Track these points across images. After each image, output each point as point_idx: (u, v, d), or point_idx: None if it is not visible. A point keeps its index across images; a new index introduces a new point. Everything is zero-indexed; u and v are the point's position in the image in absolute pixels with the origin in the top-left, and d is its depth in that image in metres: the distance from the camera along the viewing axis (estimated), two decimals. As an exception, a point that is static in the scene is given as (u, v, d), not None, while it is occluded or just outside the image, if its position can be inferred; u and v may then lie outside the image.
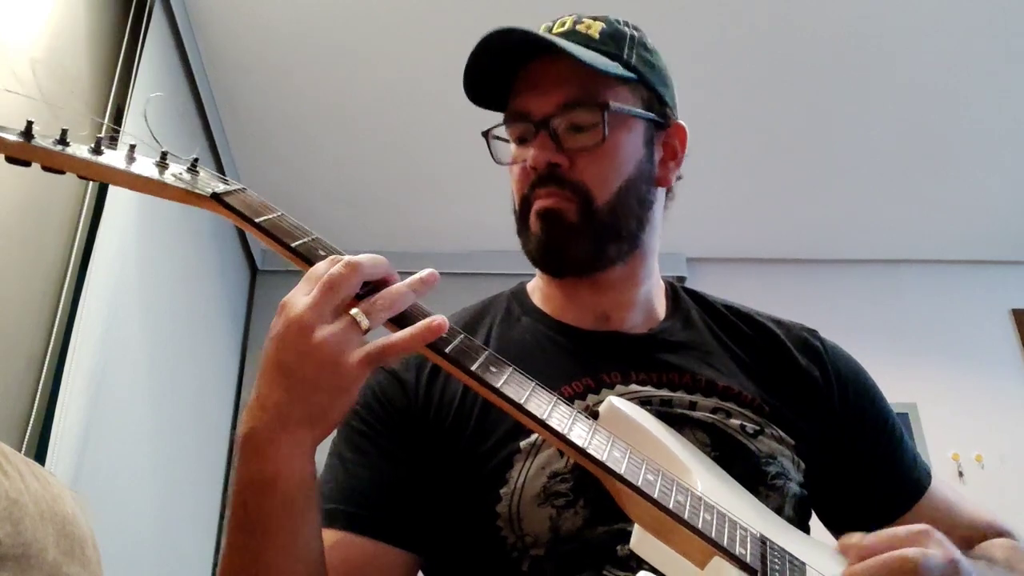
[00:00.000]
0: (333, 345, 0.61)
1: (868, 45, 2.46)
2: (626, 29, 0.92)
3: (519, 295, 0.98)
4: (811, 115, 2.73)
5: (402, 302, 0.66)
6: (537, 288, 0.98)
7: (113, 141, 0.74)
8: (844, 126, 2.78)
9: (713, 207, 3.10)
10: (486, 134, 0.93)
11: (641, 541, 0.68)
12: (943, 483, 0.97)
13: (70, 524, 0.98)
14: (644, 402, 0.84)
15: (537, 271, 0.97)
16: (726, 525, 0.69)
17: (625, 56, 0.89)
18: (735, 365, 0.91)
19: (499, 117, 0.92)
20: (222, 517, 2.76)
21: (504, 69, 0.89)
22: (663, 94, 0.92)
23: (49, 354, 1.59)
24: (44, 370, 1.57)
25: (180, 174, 0.75)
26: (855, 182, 3.04)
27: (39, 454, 1.49)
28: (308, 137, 2.77)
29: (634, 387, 0.85)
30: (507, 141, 0.93)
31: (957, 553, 0.66)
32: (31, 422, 1.51)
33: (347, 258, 0.65)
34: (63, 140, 0.71)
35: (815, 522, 0.93)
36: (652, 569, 0.67)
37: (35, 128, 0.70)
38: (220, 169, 2.77)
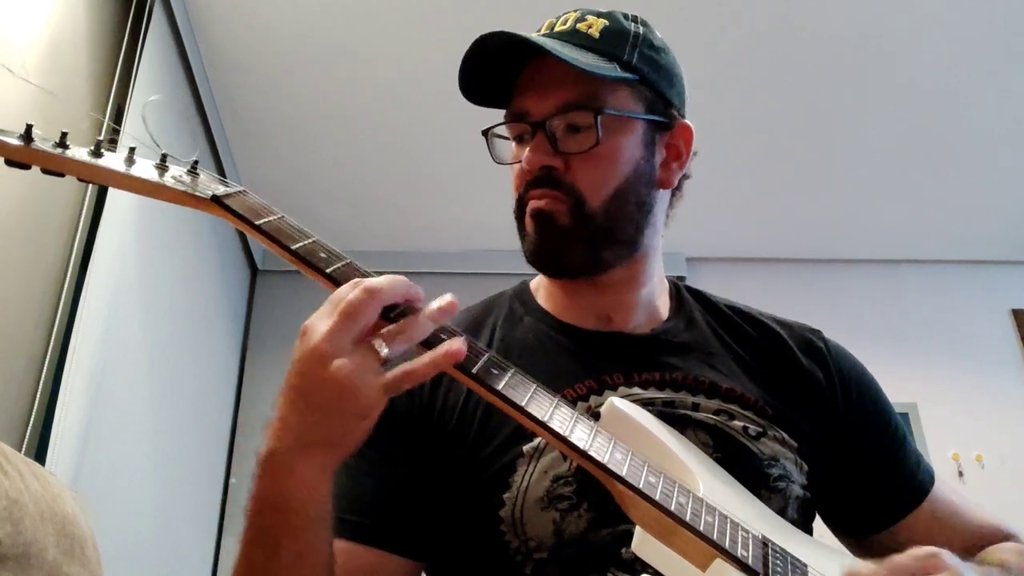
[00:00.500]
0: (351, 373, 0.61)
1: (868, 45, 2.46)
2: (631, 26, 0.91)
3: (522, 294, 0.97)
4: (811, 115, 2.73)
5: (421, 331, 0.66)
6: (540, 286, 0.97)
7: (113, 143, 0.74)
8: (844, 126, 2.78)
9: (713, 207, 3.09)
10: (486, 132, 0.93)
11: (643, 543, 0.68)
12: (946, 485, 0.96)
13: (70, 524, 0.98)
14: (646, 404, 0.83)
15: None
16: (728, 527, 0.69)
17: (626, 56, 0.88)
18: (738, 367, 0.91)
19: (501, 115, 0.92)
20: (222, 517, 2.76)
21: (505, 67, 0.89)
22: (667, 94, 0.91)
23: (49, 354, 1.59)
24: (44, 370, 1.57)
25: (180, 176, 0.75)
26: (855, 182, 3.04)
27: (39, 454, 1.49)
28: (308, 137, 2.77)
29: (636, 389, 0.85)
30: (508, 139, 0.92)
31: (970, 570, 0.66)
32: (31, 422, 1.51)
33: (365, 283, 0.65)
34: (63, 143, 0.71)
35: (819, 523, 0.93)
36: (654, 572, 0.67)
37: (35, 131, 0.70)
38: (220, 169, 2.77)
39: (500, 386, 0.68)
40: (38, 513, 0.92)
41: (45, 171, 0.71)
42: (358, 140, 2.78)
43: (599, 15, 0.90)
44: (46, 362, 1.58)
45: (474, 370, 0.68)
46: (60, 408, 1.55)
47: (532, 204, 0.87)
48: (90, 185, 1.76)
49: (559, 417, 0.69)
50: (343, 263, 0.72)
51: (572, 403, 0.82)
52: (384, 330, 0.64)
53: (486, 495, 0.79)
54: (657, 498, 0.67)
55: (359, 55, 2.45)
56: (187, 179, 0.75)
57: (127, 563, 1.73)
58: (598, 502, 0.76)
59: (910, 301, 3.43)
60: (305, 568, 0.67)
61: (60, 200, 1.69)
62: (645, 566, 0.68)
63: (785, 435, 0.86)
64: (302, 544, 0.66)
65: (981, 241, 3.40)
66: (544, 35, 0.89)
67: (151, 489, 2.02)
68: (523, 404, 0.68)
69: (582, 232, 0.85)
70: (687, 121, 0.94)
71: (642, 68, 0.88)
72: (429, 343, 0.66)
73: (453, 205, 3.08)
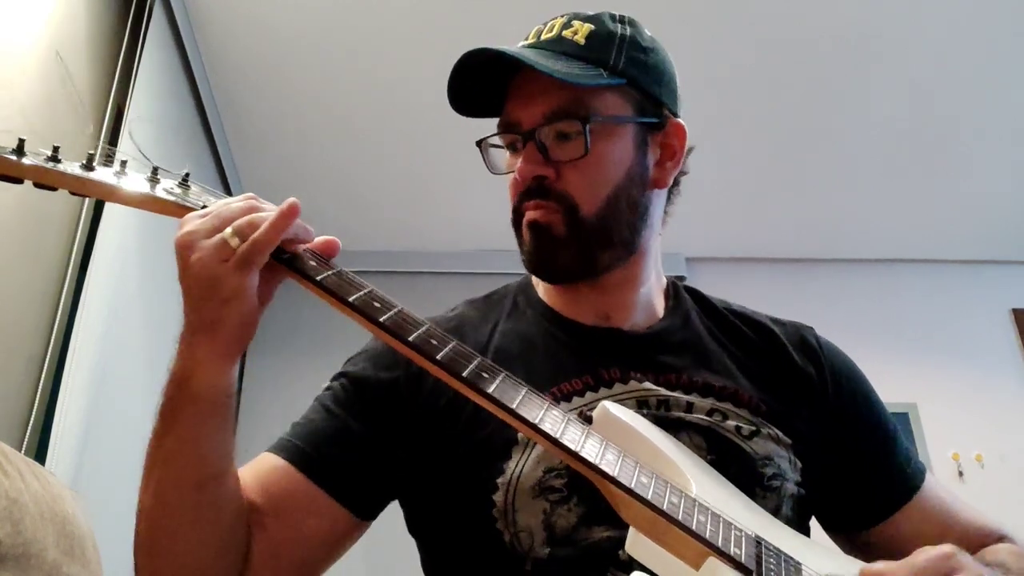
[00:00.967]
0: (207, 261, 0.69)
1: (868, 45, 2.46)
2: (617, 28, 0.91)
3: (526, 288, 0.99)
4: (811, 115, 2.73)
5: (270, 222, 0.70)
6: (541, 282, 0.99)
7: (110, 159, 0.75)
8: (844, 126, 2.78)
9: (712, 207, 3.10)
10: (480, 144, 0.94)
11: (635, 543, 0.69)
12: (938, 483, 0.97)
13: (70, 524, 0.98)
14: (641, 402, 0.85)
15: None
16: (720, 526, 0.69)
17: (612, 61, 0.88)
18: (733, 365, 0.92)
19: (496, 123, 0.93)
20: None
21: (494, 79, 0.90)
22: (657, 94, 0.91)
23: (49, 354, 1.59)
24: (44, 370, 1.57)
25: (171, 188, 0.77)
26: (855, 182, 3.05)
27: (39, 454, 1.49)
28: (308, 137, 2.77)
29: (633, 384, 0.86)
30: (502, 148, 0.94)
31: (986, 573, 0.66)
32: (31, 422, 1.51)
33: (251, 199, 0.73)
34: (55, 157, 0.73)
35: (813, 522, 0.93)
36: (648, 571, 0.67)
37: (27, 146, 0.72)
38: (220, 169, 2.78)
39: (491, 389, 0.69)
40: (38, 513, 0.92)
41: (37, 185, 0.73)
42: (358, 140, 2.78)
43: (586, 19, 0.91)
44: (46, 362, 1.58)
45: (464, 374, 0.69)
46: (60, 408, 1.55)
47: (528, 216, 0.88)
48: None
49: (550, 420, 0.70)
50: (333, 270, 0.74)
51: (568, 398, 0.84)
52: (233, 223, 0.70)
53: (480, 479, 0.80)
54: (649, 498, 0.67)
55: (359, 55, 2.45)
56: (179, 191, 0.77)
57: (127, 563, 1.72)
58: (589, 497, 0.76)
59: (910, 301, 3.43)
60: (194, 448, 0.72)
61: (60, 200, 1.69)
62: (639, 566, 0.68)
63: (779, 432, 0.86)
64: (193, 423, 0.72)
65: (981, 241, 3.40)
66: (530, 44, 0.90)
67: (151, 489, 2.01)
68: (514, 407, 0.69)
69: (577, 239, 0.87)
70: (680, 119, 0.94)
71: (629, 71, 0.89)
72: (296, 267, 0.73)
73: (452, 205, 3.08)
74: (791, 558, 0.72)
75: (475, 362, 0.71)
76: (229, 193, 3.02)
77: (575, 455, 0.68)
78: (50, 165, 0.72)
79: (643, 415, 0.82)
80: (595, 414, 0.77)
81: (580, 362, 0.88)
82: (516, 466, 0.80)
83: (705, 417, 0.85)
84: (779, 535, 0.75)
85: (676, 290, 1.00)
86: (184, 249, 0.70)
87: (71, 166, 0.73)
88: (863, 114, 2.72)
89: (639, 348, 0.91)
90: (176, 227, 0.74)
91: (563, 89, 0.86)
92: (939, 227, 3.32)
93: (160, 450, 0.73)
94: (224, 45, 2.41)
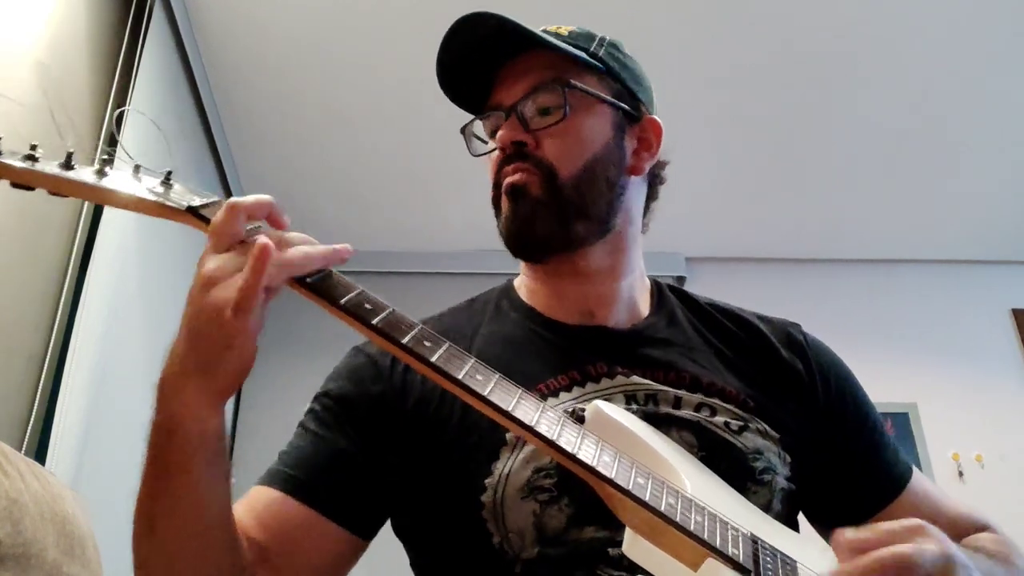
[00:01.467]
0: (220, 300, 0.63)
1: (867, 44, 2.46)
2: (598, 33, 0.96)
3: (507, 291, 1.00)
4: (811, 115, 2.73)
5: (294, 258, 0.66)
6: (523, 284, 1.00)
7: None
8: (844, 126, 2.78)
9: (712, 207, 3.10)
10: (463, 130, 0.97)
11: (633, 544, 0.69)
12: (923, 478, 0.98)
13: (70, 524, 0.99)
14: (629, 395, 0.85)
15: (520, 265, 0.99)
16: (717, 526, 0.69)
17: (593, 49, 0.93)
18: (719, 361, 0.93)
19: None
20: (222, 517, 2.76)
21: (483, 71, 0.94)
22: (634, 89, 0.96)
23: (49, 354, 1.59)
24: (44, 370, 1.57)
25: (154, 188, 0.74)
26: (855, 182, 3.05)
27: (39, 454, 1.49)
28: (308, 137, 2.77)
29: (620, 379, 0.86)
30: (484, 141, 0.97)
31: (952, 547, 0.66)
32: (31, 422, 1.51)
33: (227, 202, 0.67)
34: (31, 156, 0.70)
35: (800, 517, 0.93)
36: (645, 573, 0.67)
37: (3, 144, 0.69)
38: (220, 169, 2.78)
39: (486, 392, 0.68)
40: (38, 513, 0.92)
41: (15, 185, 0.70)
42: (358, 140, 2.78)
43: (569, 26, 0.96)
44: (46, 362, 1.58)
45: (460, 376, 0.68)
46: (60, 408, 1.55)
47: (507, 181, 0.90)
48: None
49: (546, 421, 0.69)
50: (322, 273, 0.71)
51: (555, 393, 0.84)
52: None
53: (468, 480, 0.80)
54: (647, 499, 0.67)
55: (358, 55, 2.45)
56: (161, 190, 0.74)
57: (127, 563, 1.72)
58: (579, 496, 0.76)
59: (910, 301, 3.43)
60: (193, 498, 0.69)
61: (60, 201, 1.69)
62: (635, 566, 0.68)
63: (767, 427, 0.87)
64: (189, 473, 0.67)
65: (981, 241, 3.40)
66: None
67: (151, 489, 2.02)
68: (510, 409, 0.68)
69: (554, 203, 0.88)
70: (656, 117, 0.98)
71: (609, 62, 0.94)
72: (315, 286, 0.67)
73: (452, 205, 3.08)
74: (787, 556, 0.72)
75: (469, 363, 0.70)
76: (228, 192, 3.02)
77: (572, 457, 0.68)
78: (26, 164, 0.69)
79: (632, 411, 0.82)
80: (587, 413, 0.77)
81: (565, 358, 0.88)
82: (504, 467, 0.79)
83: (693, 413, 0.85)
84: (773, 533, 0.75)
85: (660, 290, 1.02)
86: (208, 284, 0.64)
87: (48, 165, 0.70)
88: (863, 114, 2.72)
89: (624, 344, 0.91)
90: (173, 225, 0.72)
91: (546, 69, 0.90)
92: (939, 227, 3.31)
93: (158, 506, 0.70)
94: (224, 45, 2.41)
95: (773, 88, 2.62)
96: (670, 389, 0.86)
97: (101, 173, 0.72)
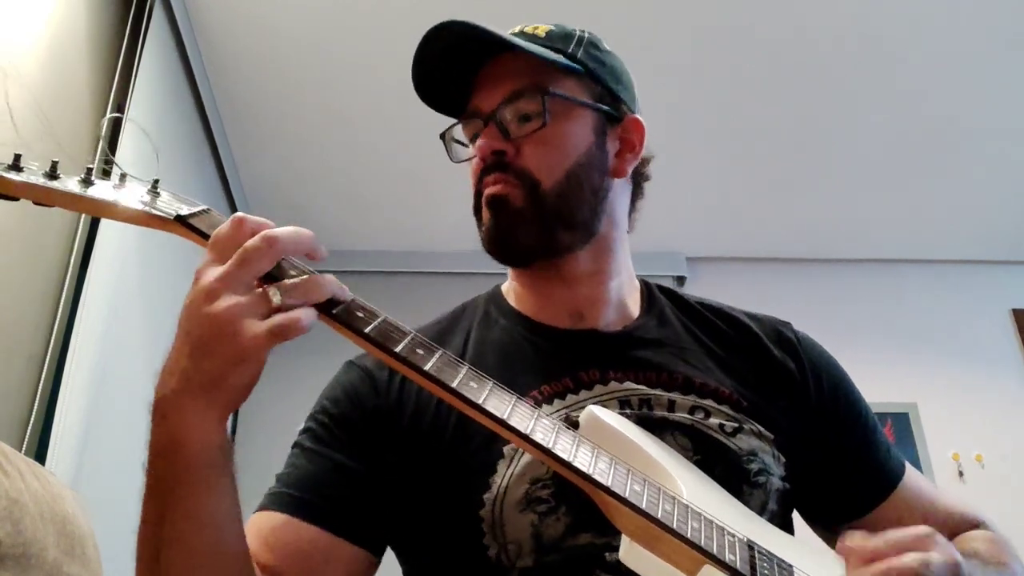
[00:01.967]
0: (235, 314, 0.61)
1: (867, 43, 2.46)
2: (576, 31, 0.94)
3: (495, 297, 0.99)
4: (811, 114, 2.73)
5: (320, 292, 0.65)
6: (511, 289, 0.99)
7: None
8: (844, 125, 2.78)
9: (712, 206, 3.10)
10: (443, 136, 0.96)
11: (629, 552, 0.68)
12: (916, 475, 0.98)
13: (70, 524, 0.98)
14: (623, 401, 0.84)
15: (508, 270, 0.98)
16: (714, 532, 0.69)
17: (570, 51, 0.91)
18: (711, 361, 0.92)
19: None
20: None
21: (461, 76, 0.93)
22: (615, 89, 0.94)
23: (49, 354, 1.59)
24: (44, 370, 1.57)
25: (140, 197, 0.72)
26: (855, 181, 3.05)
27: (39, 454, 1.49)
28: (308, 137, 2.77)
29: (613, 385, 0.85)
30: (466, 145, 0.96)
31: (959, 556, 0.66)
32: (31, 422, 1.51)
33: (266, 233, 0.64)
34: (16, 166, 0.68)
35: (797, 519, 0.93)
36: None
37: None
38: (220, 169, 2.78)
39: (481, 400, 0.67)
40: (38, 513, 0.92)
41: (3, 197, 0.68)
42: (358, 140, 2.78)
43: (548, 24, 0.94)
44: (46, 362, 1.58)
45: (454, 384, 0.67)
46: (60, 408, 1.55)
47: (487, 191, 0.89)
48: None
49: (541, 429, 0.68)
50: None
51: (549, 401, 0.83)
52: (284, 281, 0.64)
53: (466, 495, 0.79)
54: (644, 507, 0.67)
55: (359, 55, 2.45)
56: (147, 198, 0.72)
57: (127, 563, 1.72)
58: (576, 505, 0.75)
59: (910, 301, 3.43)
60: (200, 520, 0.65)
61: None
62: (632, 573, 0.67)
63: (761, 428, 0.86)
64: (195, 494, 0.64)
65: (981, 241, 3.40)
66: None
67: (151, 489, 2.02)
68: (505, 417, 0.67)
69: (537, 215, 0.87)
70: (638, 116, 0.96)
71: (588, 63, 0.92)
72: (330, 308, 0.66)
73: (452, 205, 3.07)
74: (783, 561, 0.72)
75: (463, 372, 0.68)
76: (229, 192, 3.00)
77: (568, 465, 0.67)
78: (11, 175, 0.67)
79: (626, 415, 0.81)
80: (582, 419, 0.77)
81: (558, 365, 0.87)
82: (502, 480, 0.78)
83: (687, 416, 0.84)
84: (769, 537, 0.75)
85: (649, 290, 1.01)
86: (208, 297, 0.62)
87: (32, 175, 0.68)
88: (863, 114, 2.72)
89: (616, 347, 0.90)
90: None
91: (524, 72, 0.88)
92: (939, 227, 3.31)
93: (164, 532, 0.65)
94: (224, 45, 2.41)
95: (774, 88, 2.62)
96: (663, 393, 0.86)
97: (87, 182, 0.70)
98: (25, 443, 1.48)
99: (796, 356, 0.95)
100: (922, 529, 0.67)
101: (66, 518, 0.99)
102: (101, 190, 0.70)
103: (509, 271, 0.98)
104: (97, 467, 1.67)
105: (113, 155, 1.56)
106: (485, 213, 0.90)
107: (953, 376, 3.26)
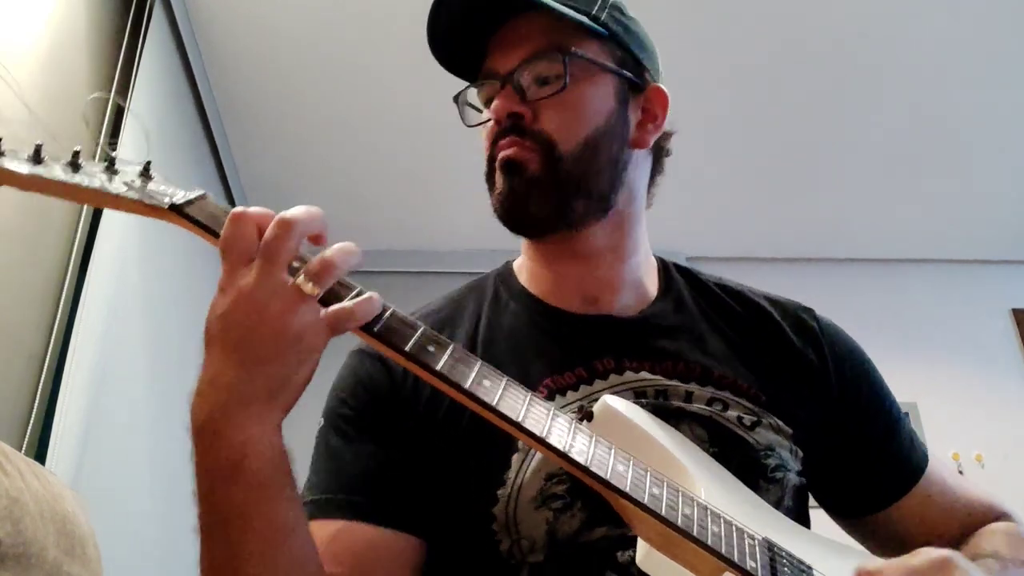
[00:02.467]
0: (287, 316, 0.59)
1: (868, 44, 2.46)
2: None
3: (506, 276, 0.95)
4: (812, 113, 2.73)
5: (344, 265, 0.63)
6: (523, 267, 0.95)
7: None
8: (845, 125, 2.78)
9: (713, 206, 3.09)
10: (456, 98, 0.92)
11: (647, 557, 0.66)
12: (941, 464, 0.95)
13: (70, 523, 0.98)
14: (639, 392, 0.82)
15: (521, 243, 0.94)
16: (734, 536, 0.67)
17: (595, 12, 0.86)
18: (729, 350, 0.88)
19: None
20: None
21: (478, 36, 0.88)
22: (639, 56, 0.90)
23: (49, 354, 1.59)
24: (44, 370, 1.57)
25: (132, 182, 0.66)
26: (856, 181, 3.04)
27: (39, 454, 1.49)
28: (308, 137, 2.77)
29: (628, 375, 0.83)
30: (479, 110, 0.91)
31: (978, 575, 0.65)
32: (31, 422, 1.51)
33: (279, 217, 0.62)
34: None
35: (818, 513, 0.92)
36: None
37: None
38: (220, 169, 2.78)
39: (494, 401, 0.65)
40: (38, 512, 0.92)
41: None
42: (358, 139, 2.78)
43: None
44: (46, 362, 1.58)
45: (467, 385, 0.64)
46: (60, 408, 1.54)
47: (501, 155, 0.84)
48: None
49: (557, 430, 0.66)
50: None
51: (563, 392, 0.81)
52: (305, 268, 0.61)
53: (480, 490, 0.77)
54: (663, 513, 0.65)
55: (359, 55, 2.45)
56: (139, 184, 0.67)
57: (127, 563, 1.73)
58: (591, 500, 0.73)
59: (910, 301, 3.43)
60: (274, 537, 0.62)
61: (60, 201, 1.69)
62: (644, 574, 0.66)
63: (780, 422, 0.84)
64: (266, 510, 0.61)
65: (981, 241, 3.39)
66: None
67: (151, 489, 2.02)
68: (520, 420, 0.64)
69: (553, 181, 0.83)
70: (661, 85, 0.92)
71: (613, 27, 0.87)
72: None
73: (452, 205, 3.07)
74: (802, 562, 0.71)
75: (476, 368, 0.65)
76: (229, 192, 3.01)
77: (585, 469, 0.65)
78: None
79: (642, 405, 0.79)
80: (596, 410, 0.74)
81: (571, 354, 0.84)
82: (517, 476, 0.77)
83: (705, 407, 0.82)
84: (786, 534, 0.74)
85: (667, 270, 0.97)
86: (256, 303, 0.59)
87: (12, 160, 0.62)
88: (863, 113, 2.72)
89: (632, 334, 0.87)
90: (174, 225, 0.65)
91: (545, 34, 0.84)
92: (939, 227, 3.31)
93: (238, 557, 0.62)
94: (224, 45, 2.41)
95: (775, 87, 2.61)
96: (680, 384, 0.83)
97: (75, 167, 0.64)
98: (25, 443, 1.48)
99: (817, 345, 0.92)
100: (940, 557, 0.66)
101: (66, 518, 0.99)
102: (88, 175, 0.64)
103: (522, 244, 0.94)
104: (97, 467, 1.67)
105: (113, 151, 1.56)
106: (499, 177, 0.85)
107: (953, 376, 3.26)
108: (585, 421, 0.72)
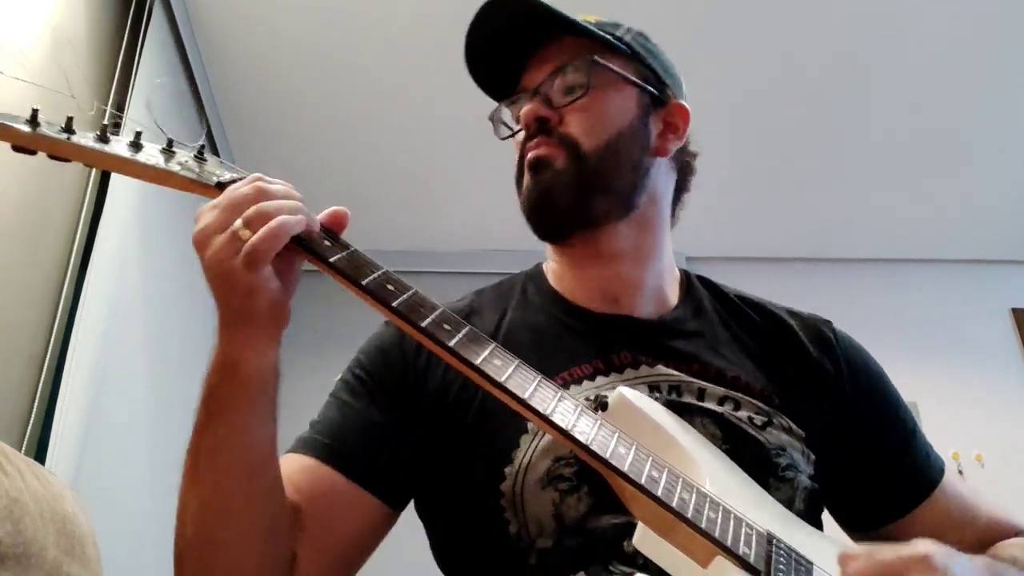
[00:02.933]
0: (220, 258, 0.67)
1: (869, 45, 2.46)
2: (624, 22, 0.97)
3: (535, 276, 0.99)
4: (811, 114, 2.73)
5: (279, 209, 0.68)
6: (551, 268, 0.99)
7: (116, 127, 0.73)
8: (845, 124, 2.78)
9: (714, 206, 3.09)
10: (492, 116, 0.98)
11: (644, 538, 0.68)
12: (958, 479, 0.96)
13: (70, 523, 0.98)
14: (653, 386, 0.84)
15: (548, 248, 0.98)
16: (731, 523, 0.68)
17: (620, 34, 0.94)
18: (744, 355, 0.91)
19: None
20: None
21: (512, 59, 0.94)
22: (661, 75, 0.96)
23: (49, 354, 1.59)
24: (44, 370, 1.57)
25: (186, 163, 0.74)
26: (856, 181, 3.04)
27: (39, 454, 1.49)
28: (308, 136, 2.77)
29: (644, 369, 0.86)
30: (511, 128, 0.97)
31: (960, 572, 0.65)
32: (31, 422, 1.51)
33: (256, 178, 0.72)
34: (68, 128, 0.71)
35: (828, 518, 0.92)
36: (655, 567, 0.66)
37: (41, 116, 0.70)
38: (220, 169, 2.78)
39: (503, 379, 0.68)
40: (38, 512, 0.92)
41: (52, 156, 0.71)
42: (358, 139, 2.78)
43: (595, 16, 0.96)
44: (46, 362, 1.58)
45: (477, 362, 0.68)
46: (60, 408, 1.55)
47: (530, 155, 0.90)
48: (90, 183, 1.76)
49: (562, 410, 0.69)
50: (346, 251, 0.72)
51: (579, 382, 0.84)
52: (244, 213, 0.68)
53: (488, 467, 0.80)
54: (659, 494, 0.66)
55: (359, 55, 2.45)
56: (193, 165, 0.75)
57: (127, 562, 1.73)
58: (598, 486, 0.75)
59: (910, 300, 3.42)
60: (243, 434, 0.71)
61: (60, 199, 1.69)
62: (648, 560, 0.67)
63: (792, 424, 0.85)
64: (242, 408, 0.71)
65: (981, 241, 3.39)
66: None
67: (151, 489, 2.02)
68: (525, 397, 0.68)
69: (576, 175, 0.88)
70: (683, 102, 0.97)
71: (636, 46, 0.94)
72: (309, 248, 0.70)
73: (453, 205, 3.08)
74: (802, 557, 0.71)
75: (487, 349, 0.70)
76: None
77: (585, 447, 0.67)
78: (63, 136, 0.70)
79: (656, 399, 0.81)
80: (611, 400, 0.76)
81: (590, 347, 0.88)
82: (524, 455, 0.79)
83: (717, 406, 0.84)
84: (793, 532, 0.74)
85: (689, 281, 1.00)
86: (200, 247, 0.68)
87: (84, 137, 0.71)
88: (863, 113, 2.72)
89: (650, 334, 0.90)
90: (177, 217, 0.73)
91: (573, 50, 0.90)
92: (939, 227, 3.31)
93: (208, 441, 0.72)
94: (224, 45, 2.41)
95: (775, 88, 2.62)
96: (695, 380, 0.85)
97: (135, 146, 0.73)
98: (25, 443, 1.48)
99: (832, 354, 0.94)
100: (918, 551, 0.65)
101: (66, 518, 0.99)
102: (149, 155, 0.73)
103: (548, 248, 0.98)
104: (97, 467, 1.67)
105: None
106: (526, 176, 0.91)
107: (953, 375, 3.26)
108: (600, 411, 0.74)
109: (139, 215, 1.99)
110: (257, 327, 0.70)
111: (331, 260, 0.70)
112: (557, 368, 0.84)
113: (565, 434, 0.67)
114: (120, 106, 1.88)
